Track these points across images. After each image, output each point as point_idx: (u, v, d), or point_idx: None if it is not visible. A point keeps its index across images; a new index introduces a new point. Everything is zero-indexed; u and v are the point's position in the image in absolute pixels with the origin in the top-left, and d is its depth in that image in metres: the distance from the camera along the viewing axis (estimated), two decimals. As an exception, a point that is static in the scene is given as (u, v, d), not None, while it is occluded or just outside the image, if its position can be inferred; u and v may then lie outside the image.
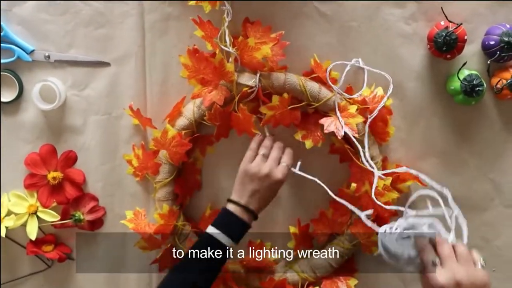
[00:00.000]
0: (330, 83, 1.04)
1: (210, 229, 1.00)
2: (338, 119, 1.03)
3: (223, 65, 1.01)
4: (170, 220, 1.07)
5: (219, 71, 1.02)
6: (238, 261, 1.11)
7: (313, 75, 1.06)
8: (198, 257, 0.98)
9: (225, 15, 1.02)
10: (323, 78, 1.04)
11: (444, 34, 1.02)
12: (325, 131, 1.03)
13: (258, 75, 1.04)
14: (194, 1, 1.01)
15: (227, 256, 0.99)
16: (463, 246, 0.89)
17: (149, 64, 1.10)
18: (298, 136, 1.06)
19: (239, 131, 1.07)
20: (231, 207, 1.01)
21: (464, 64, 1.05)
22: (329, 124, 1.03)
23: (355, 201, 1.05)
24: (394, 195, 1.05)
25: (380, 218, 1.07)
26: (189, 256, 0.99)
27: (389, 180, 1.04)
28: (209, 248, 0.98)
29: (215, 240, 0.99)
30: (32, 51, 1.09)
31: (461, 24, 1.02)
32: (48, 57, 1.09)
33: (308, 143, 1.05)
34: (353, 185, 1.07)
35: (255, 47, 1.02)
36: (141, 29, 1.09)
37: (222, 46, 1.01)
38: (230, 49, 1.02)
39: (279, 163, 1.03)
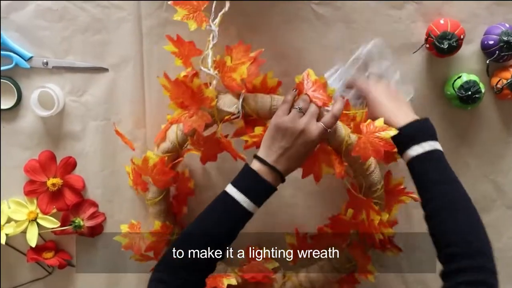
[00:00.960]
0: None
1: (231, 190, 0.89)
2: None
3: (201, 90, 0.94)
4: (163, 236, 1.04)
5: (198, 97, 0.94)
6: (237, 269, 1.08)
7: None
8: (216, 219, 0.89)
9: (210, 38, 0.97)
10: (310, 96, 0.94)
11: (447, 39, 1.01)
12: None
13: (241, 100, 0.96)
14: (180, 17, 0.95)
15: (247, 221, 0.90)
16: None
17: (147, 70, 1.10)
18: None
19: (234, 157, 1.01)
20: (256, 165, 0.90)
21: (459, 77, 1.04)
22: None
23: (352, 226, 1.04)
24: (390, 231, 1.03)
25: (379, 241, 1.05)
26: (205, 218, 0.90)
27: (385, 216, 1.00)
28: (229, 212, 0.89)
29: (236, 204, 0.89)
30: (30, 57, 1.09)
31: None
32: (46, 63, 1.09)
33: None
34: (350, 211, 1.03)
35: (233, 67, 0.95)
36: (139, 35, 1.09)
37: (203, 68, 0.96)
38: (211, 71, 0.95)
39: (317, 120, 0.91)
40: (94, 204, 1.14)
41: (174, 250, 0.89)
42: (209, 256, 0.88)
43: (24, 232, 1.10)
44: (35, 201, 1.12)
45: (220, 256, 0.90)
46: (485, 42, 1.05)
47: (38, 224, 1.11)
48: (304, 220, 1.14)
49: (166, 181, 1.01)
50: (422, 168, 0.94)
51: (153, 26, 1.09)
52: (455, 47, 1.02)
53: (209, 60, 0.96)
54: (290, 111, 0.92)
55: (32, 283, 1.16)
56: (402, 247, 1.13)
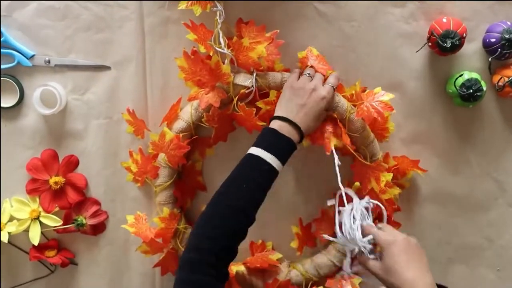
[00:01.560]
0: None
1: (255, 151, 0.92)
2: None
3: (219, 67, 1.01)
4: (171, 224, 1.07)
5: (215, 73, 1.02)
6: (242, 263, 1.11)
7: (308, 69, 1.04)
8: (244, 179, 0.90)
9: (217, 17, 1.01)
10: (315, 66, 1.04)
11: (450, 37, 1.01)
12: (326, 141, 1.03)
13: (254, 75, 1.04)
14: (184, 5, 1.00)
15: (274, 179, 0.92)
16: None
17: (149, 68, 1.10)
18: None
19: (249, 129, 1.06)
20: (277, 124, 0.95)
21: (461, 75, 1.05)
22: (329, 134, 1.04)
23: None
24: (396, 190, 1.06)
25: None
26: (233, 180, 0.91)
27: (390, 176, 1.04)
28: (255, 169, 0.91)
29: (261, 160, 0.90)
30: (32, 56, 1.09)
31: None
32: (49, 62, 1.09)
33: (305, 142, 1.06)
34: (356, 183, 1.07)
35: (250, 47, 1.02)
36: (141, 33, 1.09)
37: (217, 48, 1.01)
38: (225, 51, 1.01)
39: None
40: (97, 203, 1.14)
41: (202, 221, 0.88)
42: (240, 223, 0.88)
43: (26, 230, 1.10)
44: (37, 199, 1.12)
45: (250, 220, 0.89)
46: (487, 40, 1.05)
47: (40, 222, 1.11)
48: (307, 209, 1.15)
49: (181, 157, 1.04)
50: None
51: (155, 24, 1.09)
52: (457, 46, 1.02)
53: (221, 40, 1.01)
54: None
55: (34, 281, 1.16)
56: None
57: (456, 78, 1.05)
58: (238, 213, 0.88)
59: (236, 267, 1.08)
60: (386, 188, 1.04)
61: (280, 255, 1.12)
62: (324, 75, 1.03)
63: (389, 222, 1.10)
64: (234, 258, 0.88)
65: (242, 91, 1.03)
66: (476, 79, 1.04)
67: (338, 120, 1.04)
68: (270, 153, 0.91)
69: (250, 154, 0.92)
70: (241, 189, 0.89)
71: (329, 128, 1.04)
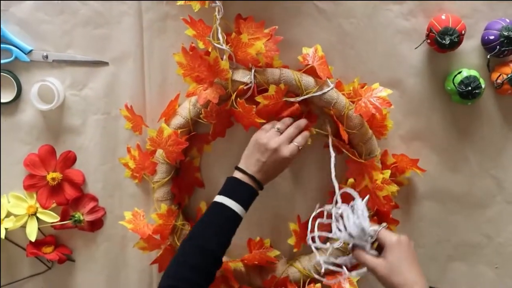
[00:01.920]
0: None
1: (219, 198, 0.98)
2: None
3: (218, 62, 1.00)
4: (168, 220, 1.07)
5: (214, 69, 1.01)
6: (239, 260, 1.11)
7: (308, 67, 1.04)
8: (211, 225, 0.96)
9: (216, 13, 1.01)
10: (317, 68, 1.03)
11: (449, 34, 1.01)
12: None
13: (252, 71, 1.03)
14: (183, 1, 1.00)
15: (238, 224, 0.98)
16: None
17: (147, 64, 1.10)
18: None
19: (246, 126, 1.06)
20: (238, 175, 1.00)
21: (459, 72, 1.05)
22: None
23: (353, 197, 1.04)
24: (394, 188, 1.05)
25: (381, 213, 1.07)
26: (201, 226, 0.97)
27: (388, 173, 1.04)
28: (220, 216, 0.96)
29: (225, 207, 0.96)
30: (30, 51, 1.08)
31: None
32: (46, 57, 1.09)
33: (309, 140, 1.06)
34: (351, 180, 1.07)
35: (249, 43, 1.01)
36: (139, 29, 1.09)
37: (215, 44, 1.01)
38: (224, 47, 1.01)
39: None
40: (94, 199, 1.13)
41: (175, 260, 0.94)
42: (209, 265, 0.94)
43: (23, 226, 1.10)
44: (34, 195, 1.12)
45: (217, 261, 0.95)
46: (486, 37, 1.05)
47: (37, 218, 1.11)
48: (304, 207, 1.15)
49: (179, 154, 1.04)
50: None
51: (153, 20, 1.08)
52: (456, 43, 1.02)
53: (220, 36, 1.01)
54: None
55: (31, 277, 1.15)
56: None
57: (455, 76, 1.05)
58: (208, 256, 0.94)
59: (234, 264, 1.08)
60: (384, 185, 1.04)
61: (278, 252, 1.12)
62: (298, 129, 1.03)
63: (387, 219, 1.10)
64: None
65: (241, 87, 1.03)
66: (474, 77, 1.04)
67: (335, 117, 1.04)
68: (233, 200, 0.97)
69: (215, 202, 0.98)
70: (208, 234, 0.95)
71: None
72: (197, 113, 1.06)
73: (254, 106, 1.03)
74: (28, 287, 1.16)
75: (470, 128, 1.12)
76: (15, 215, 1.10)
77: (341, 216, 0.97)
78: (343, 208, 0.98)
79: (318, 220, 1.01)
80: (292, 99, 1.04)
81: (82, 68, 1.10)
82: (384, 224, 0.96)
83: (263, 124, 1.04)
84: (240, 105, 1.02)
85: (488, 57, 1.05)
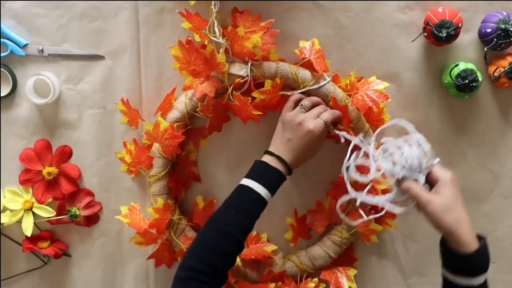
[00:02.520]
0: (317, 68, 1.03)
1: (246, 181, 0.95)
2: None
3: (214, 56, 1.00)
4: (165, 214, 1.06)
5: (210, 62, 1.01)
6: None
7: (304, 60, 1.04)
8: (234, 207, 0.94)
9: (212, 6, 1.01)
10: (313, 61, 1.03)
11: (446, 27, 1.01)
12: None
13: (249, 64, 1.03)
14: None
15: (263, 208, 0.96)
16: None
17: (143, 58, 1.10)
18: None
19: (243, 119, 1.06)
20: (267, 158, 0.98)
21: (456, 65, 1.04)
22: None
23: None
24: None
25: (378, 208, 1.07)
26: (224, 208, 0.94)
27: None
28: (244, 198, 0.95)
29: (250, 190, 0.94)
30: (26, 45, 1.08)
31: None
32: (42, 51, 1.08)
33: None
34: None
35: (245, 37, 1.01)
36: (135, 23, 1.09)
37: (212, 37, 1.01)
38: (220, 40, 1.01)
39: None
40: (90, 194, 1.13)
41: (195, 242, 0.93)
42: (228, 247, 0.91)
43: (19, 221, 1.10)
44: (30, 190, 1.11)
45: (238, 245, 0.93)
46: (483, 30, 1.05)
47: (33, 213, 1.10)
48: (301, 202, 1.15)
49: (175, 147, 1.04)
50: None
51: (150, 14, 1.08)
52: (453, 36, 1.02)
53: (216, 29, 1.01)
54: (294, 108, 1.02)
55: (27, 273, 1.15)
56: (400, 236, 1.14)
57: (452, 69, 1.04)
58: (227, 237, 0.91)
59: None
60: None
61: (275, 247, 1.11)
62: (324, 108, 1.01)
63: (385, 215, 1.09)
64: (224, 283, 0.91)
65: (237, 80, 1.03)
66: (471, 70, 1.04)
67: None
68: (259, 183, 0.95)
69: (241, 185, 0.96)
70: (230, 215, 0.93)
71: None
72: (193, 107, 1.05)
73: (250, 99, 1.02)
74: (24, 282, 1.16)
75: (467, 122, 1.12)
76: (11, 210, 1.10)
77: (386, 151, 0.91)
78: (392, 141, 0.92)
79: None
80: (289, 93, 1.04)
81: (78, 62, 1.10)
82: (439, 159, 0.90)
83: (259, 115, 1.03)
84: (236, 98, 1.02)
85: (485, 50, 1.05)
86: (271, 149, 1.00)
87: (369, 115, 1.06)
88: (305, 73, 1.04)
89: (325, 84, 1.04)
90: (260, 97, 1.03)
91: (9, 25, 1.08)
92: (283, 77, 1.03)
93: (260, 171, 0.97)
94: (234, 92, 1.02)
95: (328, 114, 1.00)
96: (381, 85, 1.01)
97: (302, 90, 1.04)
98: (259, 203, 0.95)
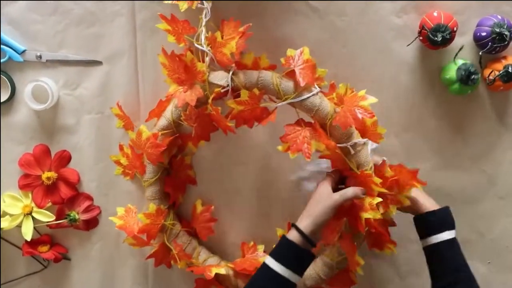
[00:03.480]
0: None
1: (279, 269, 0.90)
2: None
3: (194, 64, 0.99)
4: (157, 220, 1.06)
5: (191, 71, 0.99)
6: (230, 263, 1.09)
7: (288, 69, 0.99)
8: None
9: (202, 15, 0.99)
10: (297, 71, 0.98)
11: (441, 31, 1.01)
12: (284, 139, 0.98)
13: (230, 73, 1.00)
14: (170, 0, 0.98)
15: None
16: None
17: (140, 63, 1.10)
18: (282, 149, 0.98)
19: (223, 130, 1.04)
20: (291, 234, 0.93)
21: (461, 48, 1.05)
22: (291, 137, 0.98)
23: (346, 211, 1.00)
24: (393, 210, 1.02)
25: (377, 241, 1.07)
26: None
27: (377, 200, 0.98)
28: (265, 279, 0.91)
29: (285, 280, 0.90)
30: (24, 51, 1.08)
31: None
32: (40, 57, 1.09)
33: (292, 155, 0.98)
34: None
35: (223, 43, 0.98)
36: (132, 28, 1.09)
37: (196, 45, 0.99)
38: (204, 48, 0.99)
39: None
40: (89, 198, 1.14)
41: None
42: None
43: (19, 226, 1.11)
44: (30, 195, 1.12)
45: None
46: (478, 34, 1.05)
47: (33, 218, 1.11)
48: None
49: (158, 156, 1.03)
50: (450, 252, 1.01)
51: (146, 19, 1.09)
52: (448, 39, 1.02)
53: (202, 37, 0.99)
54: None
55: (28, 276, 1.16)
56: (397, 237, 1.14)
57: (456, 54, 1.04)
58: None
59: (216, 269, 1.05)
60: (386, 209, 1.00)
61: None
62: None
63: (385, 239, 1.08)
64: None
65: (217, 90, 1.00)
66: (471, 63, 1.05)
67: (318, 126, 0.98)
68: (289, 269, 0.91)
69: (277, 274, 0.91)
70: None
71: (305, 134, 0.98)
72: (179, 116, 1.03)
73: (220, 108, 0.99)
74: (24, 286, 1.17)
75: (462, 124, 1.12)
76: (11, 215, 1.11)
77: None
78: None
79: None
80: (272, 104, 1.00)
81: (76, 67, 1.10)
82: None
83: (236, 127, 1.01)
84: (213, 109, 0.99)
85: (480, 53, 1.05)
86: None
87: (364, 129, 1.00)
88: (288, 84, 0.98)
89: (309, 97, 0.98)
90: (237, 108, 0.99)
91: (7, 31, 1.08)
92: (264, 88, 0.99)
93: (286, 254, 0.93)
94: (211, 102, 1.00)
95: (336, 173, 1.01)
96: (367, 102, 0.96)
97: (284, 102, 0.99)
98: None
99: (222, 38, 0.99)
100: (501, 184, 1.14)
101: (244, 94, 0.98)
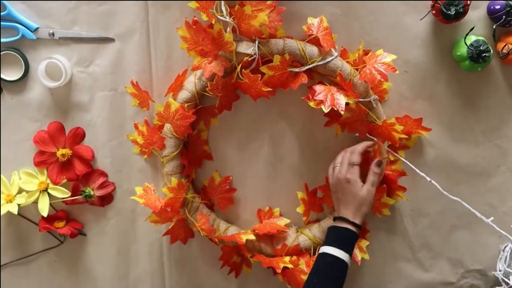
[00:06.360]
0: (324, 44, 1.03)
1: (334, 251, 1.00)
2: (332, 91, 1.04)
3: (222, 35, 1.00)
4: (179, 193, 1.08)
5: (218, 42, 1.01)
6: (251, 230, 1.12)
7: (311, 37, 1.05)
8: (315, 275, 1.00)
9: None
10: (320, 38, 1.04)
11: (454, 5, 1.01)
12: (315, 99, 1.03)
13: (256, 42, 1.03)
14: None
15: (344, 269, 1.01)
16: None
17: (153, 39, 1.10)
18: (313, 104, 1.03)
19: (254, 96, 1.07)
20: (335, 222, 1.05)
21: (472, 29, 1.04)
22: (322, 94, 1.03)
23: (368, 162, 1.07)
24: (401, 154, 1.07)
25: (388, 180, 1.10)
26: (318, 280, 1.00)
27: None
28: (336, 269, 1.00)
29: (326, 255, 1.01)
30: (36, 29, 1.09)
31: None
32: (53, 34, 1.09)
33: (326, 109, 1.02)
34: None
35: (252, 15, 1.01)
36: (144, 4, 1.09)
37: (219, 16, 1.01)
38: (227, 19, 1.01)
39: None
40: (104, 174, 1.15)
41: None
42: None
43: (35, 202, 1.12)
44: (45, 171, 1.13)
45: None
46: (491, 7, 1.05)
47: (49, 194, 1.12)
48: (311, 177, 1.16)
49: (186, 127, 1.05)
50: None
51: (158, -5, 1.09)
52: (461, 13, 1.02)
53: (223, 8, 1.01)
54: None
55: (44, 252, 1.18)
56: (409, 212, 1.15)
57: (466, 35, 1.04)
58: None
59: (245, 236, 1.09)
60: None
61: (288, 221, 1.14)
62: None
63: (395, 186, 1.12)
64: None
65: (245, 59, 1.03)
66: (483, 40, 1.04)
67: (342, 83, 1.03)
68: (347, 253, 1.01)
69: (335, 257, 1.01)
70: (312, 283, 1.00)
71: (333, 91, 1.04)
72: (203, 87, 1.06)
73: (260, 76, 1.03)
74: (41, 261, 1.19)
75: (474, 98, 1.12)
76: (27, 191, 1.12)
77: None
78: None
79: None
80: (297, 69, 1.05)
81: (88, 44, 1.10)
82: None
83: (270, 92, 1.05)
84: (245, 76, 1.03)
85: (494, 27, 1.05)
86: (337, 214, 1.06)
87: (372, 87, 1.08)
88: (312, 49, 1.05)
89: (332, 60, 1.04)
90: (268, 73, 1.04)
91: (19, 9, 1.08)
92: (291, 54, 1.04)
93: (331, 235, 1.04)
94: (243, 70, 1.03)
95: (355, 157, 1.05)
96: (389, 58, 1.02)
97: (310, 66, 1.04)
98: (336, 264, 1.00)
99: (243, 7, 1.01)
100: (513, 159, 1.15)
101: (276, 59, 1.03)
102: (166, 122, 1.07)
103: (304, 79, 1.03)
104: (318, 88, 1.04)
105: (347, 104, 1.02)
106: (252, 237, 1.09)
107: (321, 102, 1.02)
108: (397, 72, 1.01)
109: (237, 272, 1.17)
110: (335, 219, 1.06)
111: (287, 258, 1.10)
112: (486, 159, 1.15)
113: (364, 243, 1.11)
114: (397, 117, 1.10)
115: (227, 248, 1.14)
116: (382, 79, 1.01)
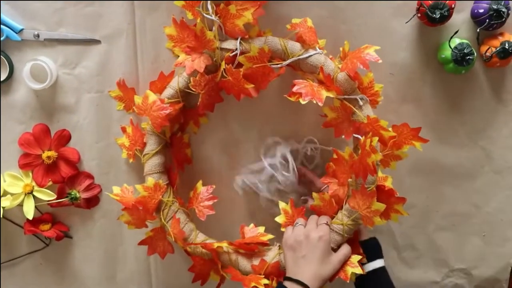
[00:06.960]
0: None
1: None
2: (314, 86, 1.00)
3: (204, 33, 1.00)
4: (155, 194, 1.06)
5: (201, 39, 1.01)
6: (229, 243, 1.07)
7: (294, 31, 1.04)
8: None
9: None
10: (303, 34, 1.03)
11: (439, 8, 1.02)
12: (294, 90, 1.00)
13: (239, 39, 1.03)
14: None
15: None
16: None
17: (139, 41, 1.10)
18: (293, 98, 1.00)
19: (236, 95, 1.05)
20: (286, 284, 0.95)
21: (456, 32, 1.06)
22: (301, 87, 0.99)
23: (352, 165, 1.02)
24: (378, 156, 0.99)
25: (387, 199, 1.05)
26: None
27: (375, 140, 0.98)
28: None
29: None
30: (21, 30, 1.08)
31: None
32: (38, 36, 1.08)
33: (303, 101, 0.98)
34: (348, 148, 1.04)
35: (237, 14, 1.01)
36: (131, 6, 1.09)
37: (205, 14, 1.00)
38: (213, 17, 1.01)
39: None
40: (90, 176, 1.14)
41: None
42: None
43: (20, 205, 1.11)
44: (30, 174, 1.12)
45: None
46: (475, 11, 1.06)
47: (34, 196, 1.12)
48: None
49: (163, 119, 1.03)
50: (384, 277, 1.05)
51: (145, -4, 1.08)
52: (446, 17, 1.03)
53: (209, 7, 1.00)
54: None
55: (30, 254, 1.17)
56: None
57: (451, 38, 1.05)
58: None
59: (218, 244, 1.05)
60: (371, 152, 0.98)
61: (271, 236, 1.07)
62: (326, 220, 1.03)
63: (392, 200, 1.06)
64: None
65: (227, 54, 1.02)
66: (467, 43, 1.05)
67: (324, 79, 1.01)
68: None
69: None
70: None
71: (314, 84, 1.01)
72: (186, 84, 1.05)
73: (241, 69, 1.01)
74: (26, 263, 1.18)
75: (459, 100, 1.14)
76: (12, 194, 1.11)
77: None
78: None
79: None
80: (278, 64, 1.03)
81: (74, 46, 1.10)
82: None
83: (253, 89, 1.03)
84: (228, 71, 1.02)
85: (478, 30, 1.06)
86: (288, 275, 0.97)
87: (361, 89, 1.03)
88: (294, 45, 1.03)
89: (314, 54, 1.02)
90: (246, 64, 1.01)
91: (4, 10, 1.07)
92: (272, 49, 1.02)
93: None
94: (226, 65, 1.02)
95: (324, 218, 1.02)
96: (373, 48, 0.98)
97: (291, 60, 1.02)
98: None
99: (229, 6, 1.01)
100: (497, 159, 1.16)
101: (254, 49, 1.01)
102: (144, 114, 1.05)
103: (282, 70, 1.02)
104: (298, 81, 1.00)
105: (333, 104, 1.01)
106: (224, 245, 1.04)
107: (300, 95, 0.98)
108: (380, 61, 0.96)
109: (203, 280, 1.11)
110: (286, 279, 0.96)
111: (264, 280, 1.02)
112: (470, 160, 1.16)
113: (355, 258, 1.01)
114: (394, 125, 1.03)
115: (199, 259, 1.09)
116: (363, 67, 0.97)
